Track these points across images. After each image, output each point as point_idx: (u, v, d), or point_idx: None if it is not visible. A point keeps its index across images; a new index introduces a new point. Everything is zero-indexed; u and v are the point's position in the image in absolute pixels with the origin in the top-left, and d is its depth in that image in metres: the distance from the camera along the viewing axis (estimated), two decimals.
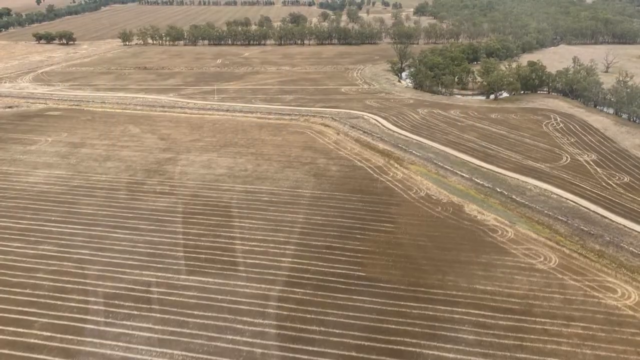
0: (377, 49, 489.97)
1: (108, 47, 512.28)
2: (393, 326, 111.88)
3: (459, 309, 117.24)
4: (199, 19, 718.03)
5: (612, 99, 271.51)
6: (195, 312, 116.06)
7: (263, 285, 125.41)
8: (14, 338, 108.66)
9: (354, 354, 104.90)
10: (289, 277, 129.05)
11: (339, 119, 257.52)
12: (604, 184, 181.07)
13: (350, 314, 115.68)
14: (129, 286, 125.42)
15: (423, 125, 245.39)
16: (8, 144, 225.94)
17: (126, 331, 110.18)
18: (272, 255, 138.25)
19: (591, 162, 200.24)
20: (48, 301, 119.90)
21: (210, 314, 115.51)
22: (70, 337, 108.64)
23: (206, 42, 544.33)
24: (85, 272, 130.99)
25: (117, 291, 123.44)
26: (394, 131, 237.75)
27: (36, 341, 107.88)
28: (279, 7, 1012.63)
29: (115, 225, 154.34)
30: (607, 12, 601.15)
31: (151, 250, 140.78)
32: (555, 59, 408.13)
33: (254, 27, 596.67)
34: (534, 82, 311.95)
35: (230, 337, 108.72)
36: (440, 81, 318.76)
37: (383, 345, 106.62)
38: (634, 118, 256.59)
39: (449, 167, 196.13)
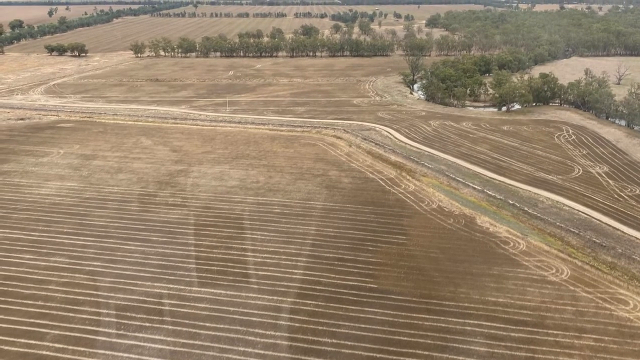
0: (389, 61, 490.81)
1: (120, 59, 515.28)
2: (405, 338, 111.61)
3: (471, 321, 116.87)
4: (211, 31, 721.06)
5: (624, 111, 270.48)
6: (207, 324, 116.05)
7: (275, 297, 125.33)
8: (26, 350, 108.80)
9: None
10: (300, 289, 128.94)
11: (351, 131, 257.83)
12: (616, 196, 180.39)
13: (362, 325, 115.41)
14: (141, 298, 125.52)
15: (435, 137, 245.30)
16: (20, 156, 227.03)
17: (138, 343, 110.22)
18: (284, 267, 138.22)
19: (603, 174, 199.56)
20: (60, 313, 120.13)
21: (222, 326, 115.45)
22: (82, 349, 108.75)
23: (218, 54, 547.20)
24: (97, 284, 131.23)
25: (129, 303, 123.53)
26: (406, 143, 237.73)
27: (48, 353, 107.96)
28: (291, 19, 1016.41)
29: (127, 237, 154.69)
30: (619, 24, 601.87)
31: (163, 262, 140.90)
32: (567, 70, 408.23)
33: (266, 39, 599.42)
34: (546, 94, 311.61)
35: (242, 349, 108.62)
36: (452, 93, 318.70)
37: (395, 357, 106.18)
38: None
39: (461, 179, 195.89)
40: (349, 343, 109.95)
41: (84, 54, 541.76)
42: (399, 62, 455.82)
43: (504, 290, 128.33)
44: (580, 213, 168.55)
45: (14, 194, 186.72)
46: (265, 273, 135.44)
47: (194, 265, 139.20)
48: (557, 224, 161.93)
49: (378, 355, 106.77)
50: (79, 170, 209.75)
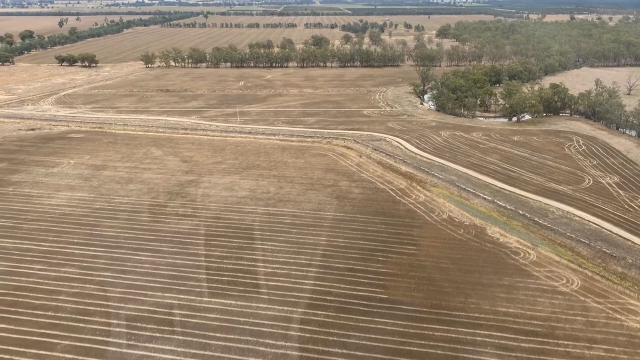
0: (399, 72, 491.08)
1: (130, 70, 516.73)
2: (415, 348, 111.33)
3: (482, 332, 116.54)
4: (221, 42, 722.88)
5: (635, 121, 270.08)
6: (218, 335, 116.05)
7: (285, 308, 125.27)
8: None
9: None
10: (311, 299, 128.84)
11: (361, 141, 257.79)
12: (626, 207, 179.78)
13: (373, 336, 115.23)
14: (151, 308, 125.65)
15: (445, 148, 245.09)
16: (31, 167, 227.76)
17: (148, 353, 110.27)
18: (295, 278, 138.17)
19: (613, 185, 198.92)
20: (70, 323, 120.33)
21: (232, 337, 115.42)
22: (92, 359, 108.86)
23: (229, 64, 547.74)
24: (108, 294, 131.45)
25: (140, 313, 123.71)
26: (416, 154, 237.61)
27: None
28: (301, 29, 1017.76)
29: (138, 248, 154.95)
30: (629, 35, 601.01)
31: (173, 273, 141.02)
32: (578, 81, 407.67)
33: (276, 50, 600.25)
34: (556, 104, 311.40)
35: (252, 359, 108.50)
36: (463, 103, 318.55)
37: None
38: None
39: (471, 190, 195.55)
40: (360, 353, 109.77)
41: (94, 65, 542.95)
42: (410, 73, 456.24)
43: (514, 301, 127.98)
44: (590, 223, 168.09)
45: (24, 205, 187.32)
46: (276, 283, 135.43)
47: (204, 276, 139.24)
48: (568, 234, 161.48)
49: None
50: (90, 180, 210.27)
